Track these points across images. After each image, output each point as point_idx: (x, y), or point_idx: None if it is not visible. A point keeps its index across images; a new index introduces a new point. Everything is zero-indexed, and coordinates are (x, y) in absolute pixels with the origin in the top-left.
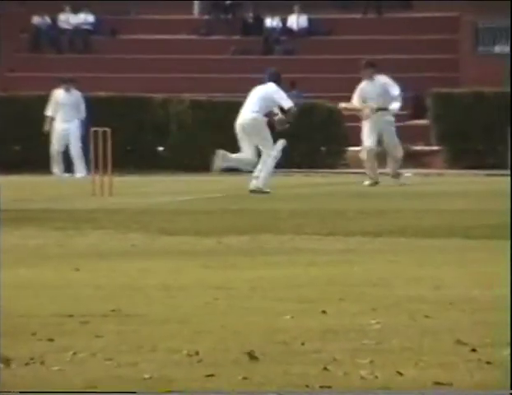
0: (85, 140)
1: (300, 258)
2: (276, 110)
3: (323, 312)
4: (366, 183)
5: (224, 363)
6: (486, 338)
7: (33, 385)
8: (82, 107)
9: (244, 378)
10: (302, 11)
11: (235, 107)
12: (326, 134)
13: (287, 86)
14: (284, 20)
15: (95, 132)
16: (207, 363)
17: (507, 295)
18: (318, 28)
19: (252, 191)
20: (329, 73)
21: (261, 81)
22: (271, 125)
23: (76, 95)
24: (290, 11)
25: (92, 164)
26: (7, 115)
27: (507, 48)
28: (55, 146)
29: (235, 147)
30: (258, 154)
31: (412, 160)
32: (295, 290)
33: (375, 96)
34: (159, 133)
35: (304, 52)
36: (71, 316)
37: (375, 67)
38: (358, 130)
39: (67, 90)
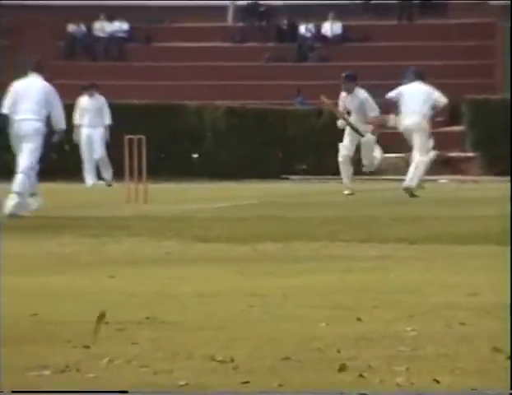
0: (109, 146)
1: (334, 265)
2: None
3: (358, 319)
4: (346, 192)
5: (259, 370)
6: None
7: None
8: (106, 111)
9: (280, 386)
10: (336, 17)
11: (269, 114)
12: None
13: (294, 93)
14: (318, 27)
15: (130, 139)
16: (243, 370)
17: None
18: (353, 35)
19: (405, 189)
20: (363, 80)
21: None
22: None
23: (99, 99)
24: (325, 18)
25: (127, 171)
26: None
27: None
28: (85, 154)
29: (268, 154)
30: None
31: (448, 166)
32: (330, 297)
33: (354, 109)
34: (193, 140)
35: (338, 59)
36: (106, 323)
37: (356, 81)
38: (393, 137)
39: (91, 95)
